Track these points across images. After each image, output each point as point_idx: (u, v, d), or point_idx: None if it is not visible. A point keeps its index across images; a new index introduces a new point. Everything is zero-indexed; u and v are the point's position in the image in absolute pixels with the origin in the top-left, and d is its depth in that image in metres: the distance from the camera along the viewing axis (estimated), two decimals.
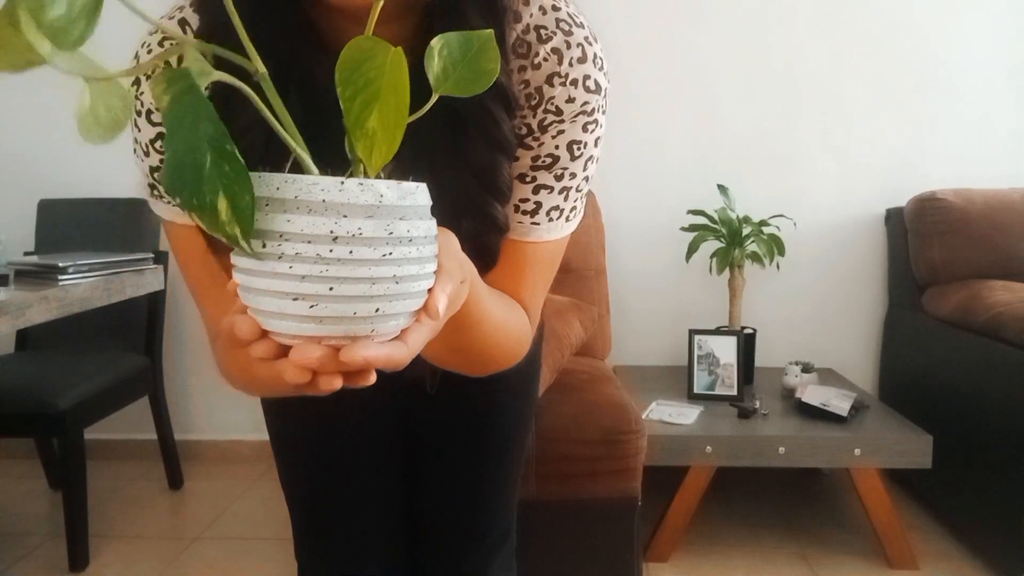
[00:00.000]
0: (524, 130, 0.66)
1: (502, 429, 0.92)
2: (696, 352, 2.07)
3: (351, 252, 0.37)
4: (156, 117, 0.63)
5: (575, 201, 0.70)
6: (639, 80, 2.36)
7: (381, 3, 0.43)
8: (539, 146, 0.66)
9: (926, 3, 2.34)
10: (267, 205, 0.37)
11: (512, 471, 0.96)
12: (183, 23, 0.63)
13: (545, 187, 0.67)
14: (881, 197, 2.40)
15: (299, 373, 0.39)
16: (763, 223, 2.18)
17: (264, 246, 0.37)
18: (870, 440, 1.78)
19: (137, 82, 0.63)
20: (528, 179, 0.67)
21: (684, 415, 1.88)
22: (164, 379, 2.31)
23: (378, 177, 0.41)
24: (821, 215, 2.41)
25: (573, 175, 0.68)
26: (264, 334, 0.40)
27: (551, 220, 0.68)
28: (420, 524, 0.94)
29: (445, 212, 0.66)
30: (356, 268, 0.37)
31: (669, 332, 2.43)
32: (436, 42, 0.44)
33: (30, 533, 2.05)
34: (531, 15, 0.65)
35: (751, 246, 2.18)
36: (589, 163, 0.69)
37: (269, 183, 0.37)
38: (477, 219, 0.63)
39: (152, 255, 1.84)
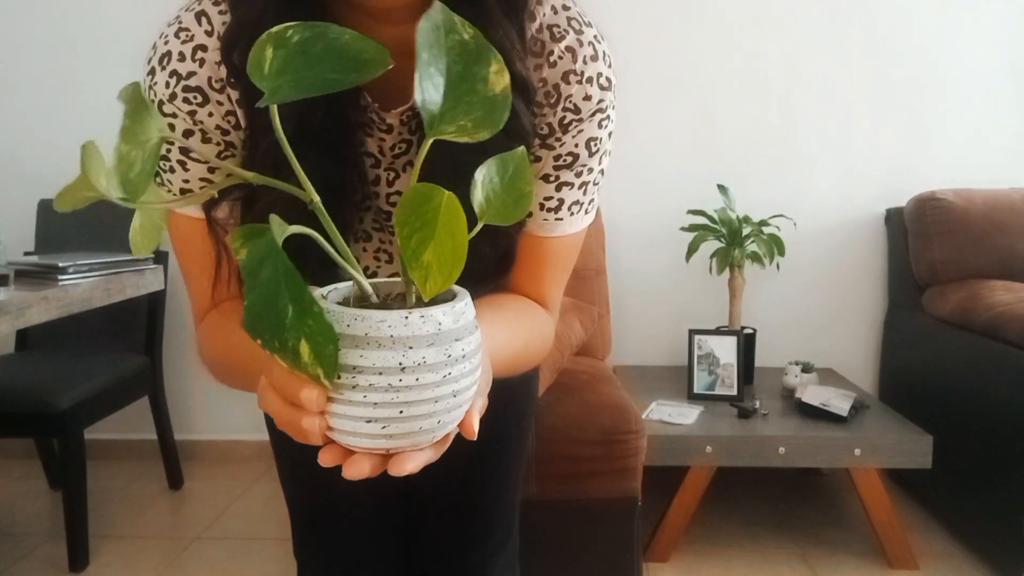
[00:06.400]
0: (545, 129, 0.68)
1: (502, 429, 0.92)
2: (696, 352, 2.07)
3: (417, 379, 0.41)
4: (167, 108, 0.64)
5: (593, 194, 0.74)
6: (639, 80, 2.36)
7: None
8: (560, 146, 0.69)
9: (926, 4, 2.34)
10: (340, 340, 0.41)
11: (513, 471, 0.96)
12: (201, 15, 0.63)
13: (567, 184, 0.71)
14: (881, 197, 2.40)
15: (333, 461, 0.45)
16: (763, 223, 2.18)
17: (339, 378, 0.41)
18: (870, 440, 1.78)
19: (152, 72, 0.64)
20: (552, 179, 0.71)
21: (684, 415, 1.88)
22: (164, 379, 2.30)
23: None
24: (821, 215, 2.41)
25: (591, 170, 0.72)
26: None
27: (572, 214, 0.73)
28: (422, 525, 0.93)
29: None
30: (422, 392, 0.41)
31: (669, 332, 2.43)
32: (479, 172, 0.46)
33: (30, 533, 2.05)
34: (544, 14, 0.67)
35: (751, 246, 2.17)
36: (604, 157, 0.72)
37: (340, 319, 0.41)
38: None
39: (152, 255, 1.84)
